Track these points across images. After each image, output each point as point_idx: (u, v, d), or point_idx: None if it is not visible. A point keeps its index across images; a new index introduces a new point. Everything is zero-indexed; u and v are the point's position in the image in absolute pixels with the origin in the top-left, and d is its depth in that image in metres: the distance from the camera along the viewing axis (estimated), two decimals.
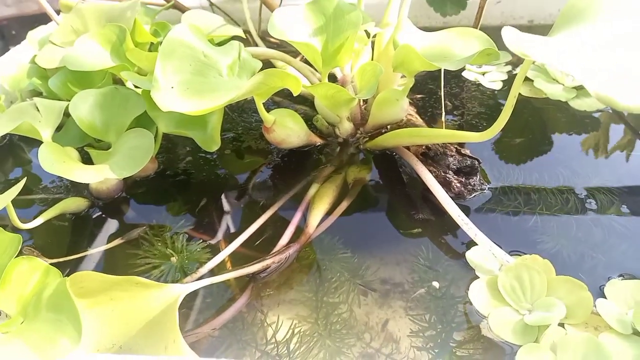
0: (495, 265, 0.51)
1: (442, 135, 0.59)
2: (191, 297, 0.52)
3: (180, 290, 0.46)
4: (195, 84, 0.57)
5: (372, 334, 0.49)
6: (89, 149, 0.64)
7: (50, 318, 0.40)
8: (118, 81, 0.75)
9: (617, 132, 0.73)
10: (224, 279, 0.51)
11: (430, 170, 0.60)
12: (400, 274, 0.54)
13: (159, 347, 0.44)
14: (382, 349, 0.47)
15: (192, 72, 0.58)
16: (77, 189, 0.66)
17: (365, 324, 0.49)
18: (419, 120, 0.72)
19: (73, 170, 0.54)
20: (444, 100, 0.78)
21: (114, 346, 0.45)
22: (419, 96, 0.81)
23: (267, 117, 0.64)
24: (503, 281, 0.48)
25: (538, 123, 0.75)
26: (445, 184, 0.59)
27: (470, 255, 0.52)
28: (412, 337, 0.48)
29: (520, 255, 0.52)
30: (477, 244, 0.53)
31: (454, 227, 0.57)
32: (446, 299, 0.51)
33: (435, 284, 0.51)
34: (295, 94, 0.57)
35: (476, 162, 0.61)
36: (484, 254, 0.51)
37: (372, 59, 0.74)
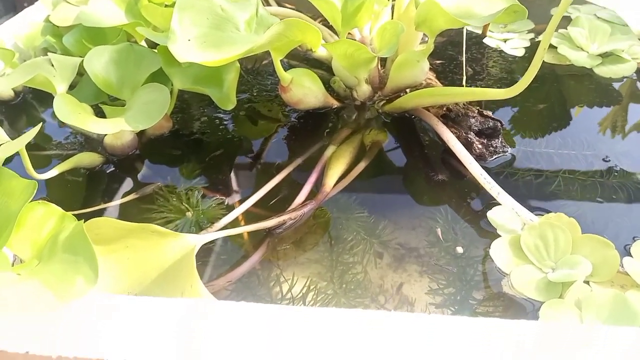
0: (518, 224, 0.49)
1: (465, 93, 0.57)
2: (206, 251, 0.51)
3: (197, 240, 0.45)
4: (212, 38, 0.56)
5: (387, 295, 0.48)
6: (103, 105, 0.63)
7: (66, 259, 0.39)
8: (132, 41, 0.74)
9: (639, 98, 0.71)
10: (240, 232, 0.50)
11: (452, 132, 0.59)
12: (417, 236, 0.53)
13: (175, 294, 0.43)
14: (399, 306, 0.46)
15: (210, 25, 0.57)
16: (91, 145, 0.65)
17: (380, 285, 0.49)
18: (439, 85, 0.70)
19: (88, 121, 0.53)
20: (465, 66, 0.76)
21: (130, 294, 0.45)
22: (438, 62, 0.79)
23: (284, 75, 0.62)
24: (526, 239, 0.47)
25: (562, 90, 0.73)
26: (467, 146, 0.57)
27: (493, 214, 0.51)
28: (430, 295, 0.47)
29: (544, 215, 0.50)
30: (498, 205, 0.51)
31: (474, 188, 0.56)
32: (465, 258, 0.50)
33: (459, 248, 0.50)
34: (315, 50, 0.56)
35: (499, 124, 0.59)
36: (507, 213, 0.50)
37: None
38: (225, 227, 0.53)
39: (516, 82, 0.52)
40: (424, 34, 0.68)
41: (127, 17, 0.70)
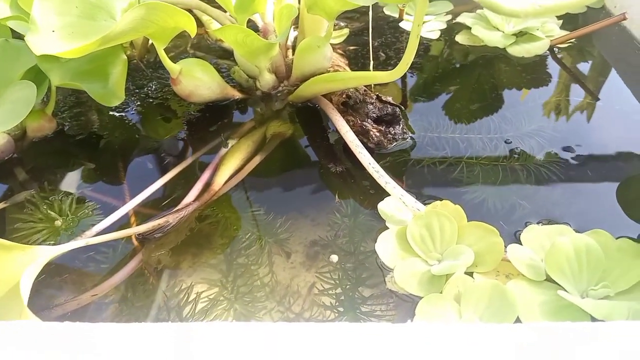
0: (408, 215, 0.46)
1: (353, 77, 0.54)
2: (80, 260, 0.47)
3: (46, 252, 0.41)
4: (82, 28, 0.51)
5: (280, 294, 0.44)
6: None
7: None
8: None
9: (551, 76, 0.69)
10: (108, 239, 0.45)
11: (348, 120, 0.55)
12: (315, 230, 0.50)
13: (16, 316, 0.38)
14: (289, 307, 0.43)
15: (79, 14, 0.52)
16: None
17: (275, 284, 0.45)
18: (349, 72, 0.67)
19: None
20: (378, 51, 0.73)
21: None
22: (352, 48, 0.76)
23: (172, 66, 0.58)
24: (412, 230, 0.44)
25: (473, 71, 0.71)
26: (363, 133, 0.54)
27: (383, 206, 0.48)
28: (319, 296, 0.44)
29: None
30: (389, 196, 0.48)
31: (372, 179, 0.53)
32: (357, 254, 0.47)
33: (334, 257, 0.46)
34: (192, 35, 0.51)
35: (398, 110, 0.56)
36: (396, 204, 0.47)
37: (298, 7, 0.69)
38: (100, 234, 0.48)
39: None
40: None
41: (12, 10, 0.64)
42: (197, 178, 0.55)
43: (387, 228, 0.47)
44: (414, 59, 0.50)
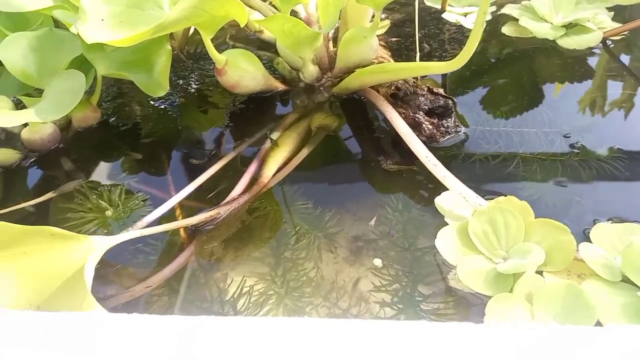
0: (468, 210, 0.45)
1: (406, 68, 0.52)
2: (126, 253, 0.46)
3: (103, 243, 0.40)
4: (130, 17, 0.50)
5: (333, 291, 0.43)
6: (23, 97, 0.57)
7: None
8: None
9: (606, 70, 0.66)
10: (161, 231, 0.45)
11: (399, 112, 0.54)
12: (365, 226, 0.48)
13: (76, 305, 0.38)
14: (341, 305, 0.42)
15: (128, 3, 0.51)
16: (10, 141, 0.59)
17: (326, 281, 0.44)
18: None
19: None
20: (422, 42, 0.71)
21: (31, 306, 0.40)
22: (394, 39, 0.74)
23: (218, 56, 0.57)
24: (474, 226, 0.42)
25: (523, 64, 0.69)
26: (415, 126, 0.53)
27: (440, 200, 0.46)
28: (375, 293, 0.43)
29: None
30: (447, 190, 0.47)
31: (426, 173, 0.52)
32: (413, 250, 0.45)
33: (377, 261, 0.45)
34: (242, 25, 0.50)
35: (450, 102, 0.54)
36: (455, 198, 0.46)
37: None
38: (149, 225, 0.48)
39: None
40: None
41: (55, 0, 0.64)
42: (243, 171, 0.54)
43: (443, 224, 0.45)
44: (461, 50, 0.48)
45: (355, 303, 0.42)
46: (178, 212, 0.50)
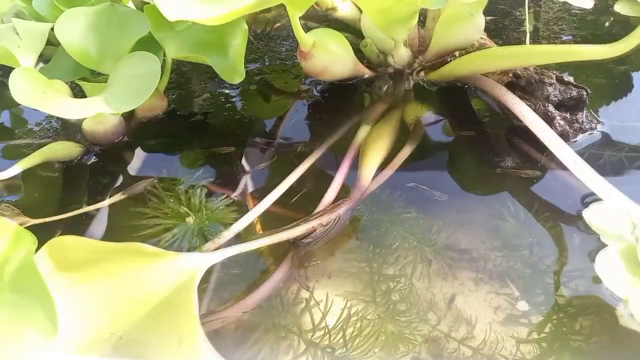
0: (627, 228, 0.37)
1: (547, 52, 0.43)
2: (215, 269, 0.39)
3: (199, 262, 0.34)
4: None
5: (448, 320, 0.36)
6: (81, 82, 0.51)
7: (14, 302, 0.28)
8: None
9: None
10: (258, 246, 0.38)
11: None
12: (482, 240, 0.41)
13: (171, 339, 0.32)
14: (465, 340, 0.35)
15: None
16: (68, 132, 0.53)
17: (435, 305, 0.37)
18: (494, 46, 0.57)
19: (52, 102, 0.41)
20: (527, 21, 0.62)
21: (112, 336, 0.33)
22: (488, 18, 0.65)
23: (305, 38, 0.49)
24: None
25: None
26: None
27: (591, 214, 0.38)
28: (515, 326, 0.35)
29: None
30: (598, 201, 0.39)
31: (555, 178, 0.43)
32: (550, 272, 0.37)
33: (523, 304, 0.37)
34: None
35: (584, 93, 0.46)
36: (611, 213, 0.37)
37: None
38: (237, 235, 0.41)
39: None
40: None
41: None
42: (334, 171, 0.46)
43: (595, 242, 0.37)
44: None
45: (498, 339, 0.34)
46: (260, 220, 0.44)
